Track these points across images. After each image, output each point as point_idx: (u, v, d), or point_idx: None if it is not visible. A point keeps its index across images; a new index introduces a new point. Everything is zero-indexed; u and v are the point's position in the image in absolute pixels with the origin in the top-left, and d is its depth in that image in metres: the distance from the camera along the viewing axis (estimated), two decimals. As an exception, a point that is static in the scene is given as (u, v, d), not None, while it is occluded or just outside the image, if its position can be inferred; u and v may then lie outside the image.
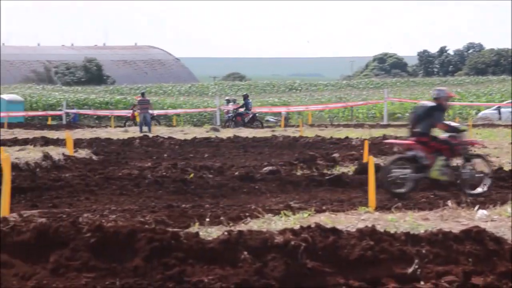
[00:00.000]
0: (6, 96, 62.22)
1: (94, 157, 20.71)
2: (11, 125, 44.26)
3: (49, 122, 55.87)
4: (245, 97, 42.79)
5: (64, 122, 56.26)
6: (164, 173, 15.69)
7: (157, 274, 5.34)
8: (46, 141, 26.07)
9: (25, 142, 25.90)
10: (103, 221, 5.74)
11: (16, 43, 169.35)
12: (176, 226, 8.06)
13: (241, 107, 42.44)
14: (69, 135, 22.36)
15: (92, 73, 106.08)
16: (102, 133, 35.33)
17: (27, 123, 52.38)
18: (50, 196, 13.07)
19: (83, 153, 21.25)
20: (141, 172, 15.99)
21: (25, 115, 60.54)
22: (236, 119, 41.56)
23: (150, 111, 38.70)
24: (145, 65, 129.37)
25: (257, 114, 43.10)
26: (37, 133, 32.99)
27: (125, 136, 31.38)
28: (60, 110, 61.01)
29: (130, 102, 62.62)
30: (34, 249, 5.53)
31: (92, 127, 46.46)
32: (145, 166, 17.77)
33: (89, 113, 61.38)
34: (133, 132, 35.89)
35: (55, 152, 19.93)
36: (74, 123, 54.38)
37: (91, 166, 18.16)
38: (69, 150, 20.82)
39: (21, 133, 33.89)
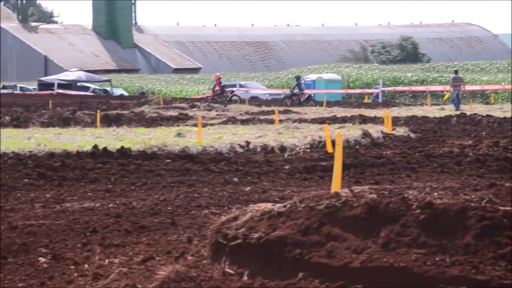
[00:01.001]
0: (325, 76, 64.23)
1: (412, 135, 20.73)
2: (329, 103, 45.59)
3: (366, 100, 56.82)
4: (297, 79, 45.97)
5: (380, 100, 56.88)
6: (486, 151, 15.33)
7: (488, 252, 5.24)
8: (364, 119, 26.58)
9: (344, 120, 26.59)
10: (432, 198, 5.71)
11: (335, 23, 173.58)
12: (503, 205, 7.82)
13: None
14: (387, 113, 22.58)
15: (407, 52, 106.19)
16: (418, 111, 35.31)
17: (344, 102, 53.70)
18: (372, 172, 13.32)
19: (401, 131, 21.38)
20: (461, 150, 15.77)
21: (344, 92, 62.05)
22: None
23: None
24: (462, 43, 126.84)
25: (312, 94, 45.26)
26: (355, 111, 33.71)
27: (441, 114, 31.08)
28: (377, 88, 61.76)
29: (446, 80, 61.73)
30: (364, 224, 5.66)
31: (408, 105, 46.55)
32: (465, 144, 17.48)
33: (404, 90, 61.50)
34: (449, 110, 35.46)
35: (374, 130, 20.25)
36: (376, 101, 54.86)
37: (410, 144, 18.22)
38: (387, 128, 21.04)
39: (339, 111, 34.82)
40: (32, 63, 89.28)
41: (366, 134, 18.98)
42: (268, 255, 5.75)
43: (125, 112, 33.14)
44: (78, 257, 7.33)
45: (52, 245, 7.95)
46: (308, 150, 17.28)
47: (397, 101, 55.93)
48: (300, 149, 17.43)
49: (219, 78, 48.40)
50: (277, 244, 5.75)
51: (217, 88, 47.68)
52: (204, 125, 23.14)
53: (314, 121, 26.76)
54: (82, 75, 63.22)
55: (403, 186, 11.37)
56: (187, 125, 26.26)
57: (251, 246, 5.86)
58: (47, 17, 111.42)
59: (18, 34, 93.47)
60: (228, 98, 45.83)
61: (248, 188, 11.94)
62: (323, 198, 5.93)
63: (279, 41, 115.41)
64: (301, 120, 26.81)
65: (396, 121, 25.01)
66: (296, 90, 44.97)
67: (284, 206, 6.06)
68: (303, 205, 5.96)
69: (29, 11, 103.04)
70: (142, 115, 31.75)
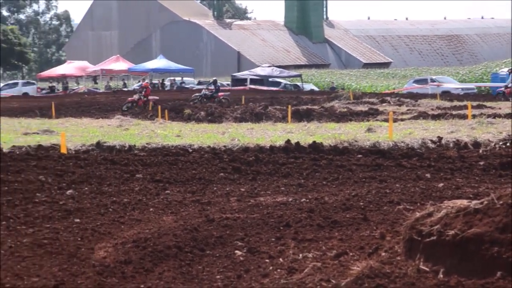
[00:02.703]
0: None
1: None
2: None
3: None
4: None
5: None
6: None
7: None
8: None
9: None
10: None
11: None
12: None
13: None
14: None
15: None
16: None
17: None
18: None
19: None
20: None
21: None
22: None
23: None
24: None
25: None
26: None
27: None
28: None
29: None
30: None
31: None
32: None
33: None
34: None
35: None
36: None
37: None
38: None
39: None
40: (225, 59, 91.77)
41: None
42: (464, 253, 5.64)
43: (316, 107, 33.38)
44: (273, 251, 7.48)
45: (247, 238, 8.16)
46: (504, 146, 16.73)
47: None
48: (495, 144, 16.91)
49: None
50: (473, 242, 5.63)
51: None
52: (395, 120, 22.91)
53: (509, 116, 25.85)
54: (273, 70, 64.28)
55: None
56: (377, 120, 26.10)
57: (446, 243, 5.77)
58: (241, 14, 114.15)
59: (213, 30, 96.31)
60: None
61: (441, 184, 11.72)
62: (522, 196, 5.74)
63: (472, 34, 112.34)
64: (495, 115, 25.98)
65: None
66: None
67: (481, 203, 5.92)
68: (500, 202, 5.80)
69: (224, 8, 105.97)
70: (332, 110, 31.87)
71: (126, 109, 35.23)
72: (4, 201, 10.38)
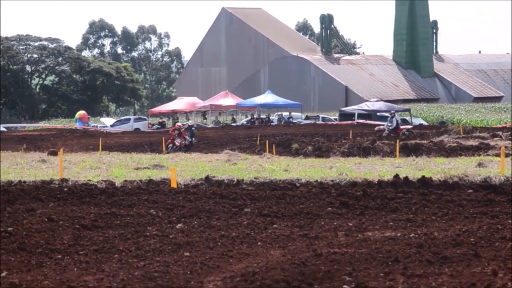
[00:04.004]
0: None
1: None
2: None
3: None
4: None
5: None
6: None
7: None
8: None
9: None
10: None
11: None
12: None
13: None
14: None
15: None
16: None
17: None
18: None
19: None
20: None
21: None
22: None
23: None
24: None
25: None
26: None
27: None
28: None
29: None
30: None
31: None
32: None
33: None
34: None
35: None
36: None
37: None
38: None
39: None
40: (333, 94, 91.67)
41: None
42: None
43: (424, 141, 32.94)
44: (381, 286, 7.41)
45: (355, 273, 8.11)
46: None
47: None
48: None
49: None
50: None
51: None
52: (507, 155, 22.38)
53: None
54: (382, 105, 63.85)
55: None
56: (488, 155, 25.55)
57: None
58: (350, 48, 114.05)
59: (321, 65, 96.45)
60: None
61: (555, 221, 11.37)
62: None
63: None
64: None
65: None
66: None
67: None
68: None
69: (332, 43, 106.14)
70: (442, 144, 31.37)
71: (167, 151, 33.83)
72: (116, 234, 10.64)
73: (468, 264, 8.23)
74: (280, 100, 70.91)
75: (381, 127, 42.07)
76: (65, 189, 15.29)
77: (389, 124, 40.64)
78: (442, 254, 8.86)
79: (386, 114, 62.30)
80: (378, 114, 61.98)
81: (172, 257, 9.21)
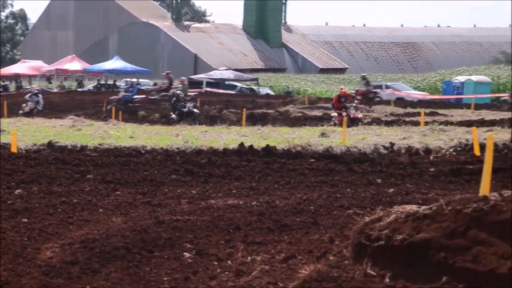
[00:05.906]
0: (474, 78, 62.68)
1: None
2: (477, 106, 44.38)
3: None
4: None
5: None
6: None
7: None
8: (515, 122, 25.71)
9: (492, 123, 25.86)
10: None
11: (488, 25, 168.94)
12: None
13: None
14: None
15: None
16: None
17: (493, 105, 52.12)
18: (522, 178, 12.85)
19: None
20: None
21: (491, 96, 60.29)
22: None
23: None
24: None
25: None
26: (504, 115, 32.68)
27: None
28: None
29: None
30: (512, 230, 5.47)
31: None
32: None
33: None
34: None
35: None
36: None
37: None
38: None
39: (488, 115, 33.85)
40: (182, 61, 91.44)
41: (516, 138, 18.36)
42: (411, 258, 5.67)
43: (271, 111, 33.44)
44: (222, 253, 7.45)
45: (196, 240, 8.12)
46: (454, 153, 16.90)
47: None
48: (446, 151, 17.08)
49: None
50: (421, 247, 5.66)
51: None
52: (348, 126, 23.02)
53: (460, 123, 26.15)
54: (230, 74, 64.28)
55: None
56: (331, 125, 26.21)
57: (394, 248, 5.79)
58: (200, 16, 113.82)
59: (170, 32, 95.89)
60: None
61: (391, 190, 11.80)
62: (470, 202, 5.78)
63: (428, 42, 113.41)
64: (447, 123, 26.26)
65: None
66: None
67: (430, 209, 5.95)
68: (449, 208, 5.83)
69: (183, 10, 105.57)
70: (287, 114, 31.96)
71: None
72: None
73: (307, 232, 8.40)
74: (129, 66, 70.12)
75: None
76: None
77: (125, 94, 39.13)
78: (282, 222, 9.00)
79: (235, 83, 62.86)
80: (226, 82, 62.33)
81: (9, 223, 8.92)
